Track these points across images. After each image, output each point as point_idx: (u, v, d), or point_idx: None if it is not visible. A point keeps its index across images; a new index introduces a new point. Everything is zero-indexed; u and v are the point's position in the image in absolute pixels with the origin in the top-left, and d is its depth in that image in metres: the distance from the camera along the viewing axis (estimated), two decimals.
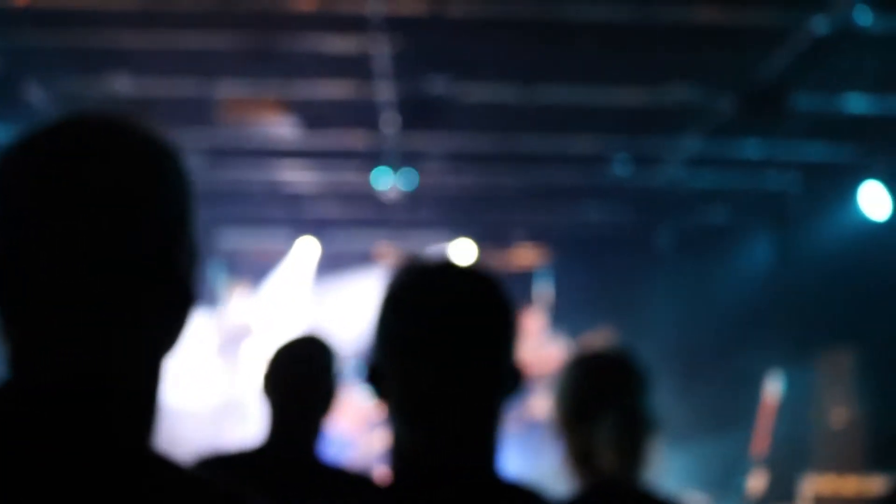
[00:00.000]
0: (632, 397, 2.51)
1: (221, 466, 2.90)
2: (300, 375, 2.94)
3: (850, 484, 9.40)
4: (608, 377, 2.59)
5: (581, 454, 2.49)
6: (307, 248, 14.23)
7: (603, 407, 2.47)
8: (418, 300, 1.52)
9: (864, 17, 6.91)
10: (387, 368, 1.51)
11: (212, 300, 11.19)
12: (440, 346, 1.47)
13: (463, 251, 14.14)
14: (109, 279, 1.01)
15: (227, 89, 8.30)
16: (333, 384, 2.96)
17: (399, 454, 1.52)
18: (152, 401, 1.07)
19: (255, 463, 2.88)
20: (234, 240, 15.34)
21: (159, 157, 1.10)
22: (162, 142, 1.12)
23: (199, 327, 10.72)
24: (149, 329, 1.06)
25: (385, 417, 1.53)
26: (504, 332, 1.54)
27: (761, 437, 9.83)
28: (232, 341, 10.17)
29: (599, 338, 10.57)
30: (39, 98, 8.71)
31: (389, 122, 9.41)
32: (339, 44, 7.61)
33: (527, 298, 13.64)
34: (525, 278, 15.17)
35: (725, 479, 10.49)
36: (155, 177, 1.08)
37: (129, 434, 1.02)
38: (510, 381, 1.54)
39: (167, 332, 1.09)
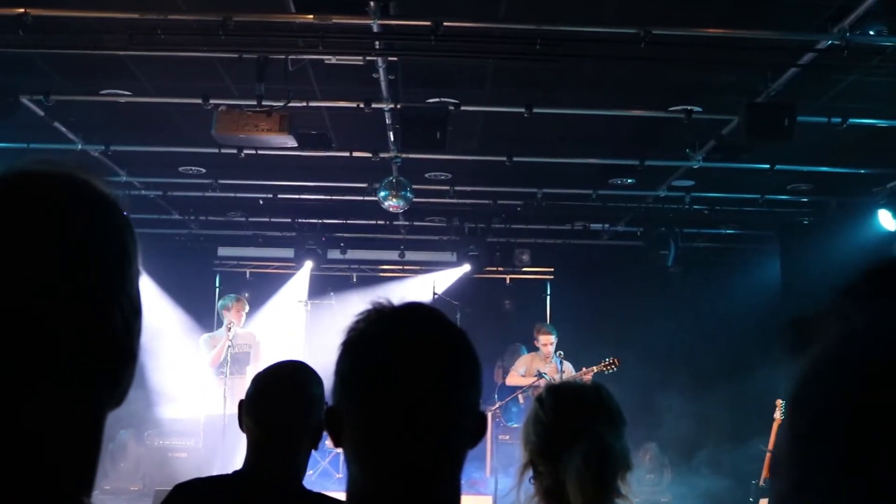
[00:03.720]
0: (601, 432, 2.41)
1: (198, 492, 2.88)
2: (281, 401, 2.88)
3: None
4: (578, 411, 2.50)
5: (551, 489, 2.40)
6: (309, 264, 14.18)
7: (572, 442, 2.38)
8: (375, 345, 1.48)
9: (873, 34, 6.84)
10: (344, 412, 1.48)
11: (213, 316, 11.09)
12: (394, 392, 1.43)
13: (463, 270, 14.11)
14: (31, 340, 0.97)
15: (226, 101, 8.24)
16: (316, 411, 2.89)
17: (353, 499, 1.49)
18: (87, 457, 1.04)
19: (233, 488, 2.84)
20: (235, 255, 15.35)
21: (91, 215, 1.06)
22: (95, 196, 1.07)
23: (202, 344, 10.63)
24: (82, 387, 1.02)
25: (344, 460, 1.51)
26: (462, 380, 1.49)
27: (768, 462, 9.67)
28: (234, 357, 10.06)
29: (602, 367, 10.46)
30: (37, 107, 8.67)
31: (391, 138, 9.36)
32: (340, 58, 7.55)
33: (533, 315, 13.59)
34: (529, 296, 15.14)
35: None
36: (84, 235, 1.04)
37: (59, 492, 0.98)
38: (469, 428, 1.50)
39: (103, 389, 1.05)
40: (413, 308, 1.53)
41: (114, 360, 1.05)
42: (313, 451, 2.96)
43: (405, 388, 1.43)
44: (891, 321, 0.66)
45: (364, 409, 1.45)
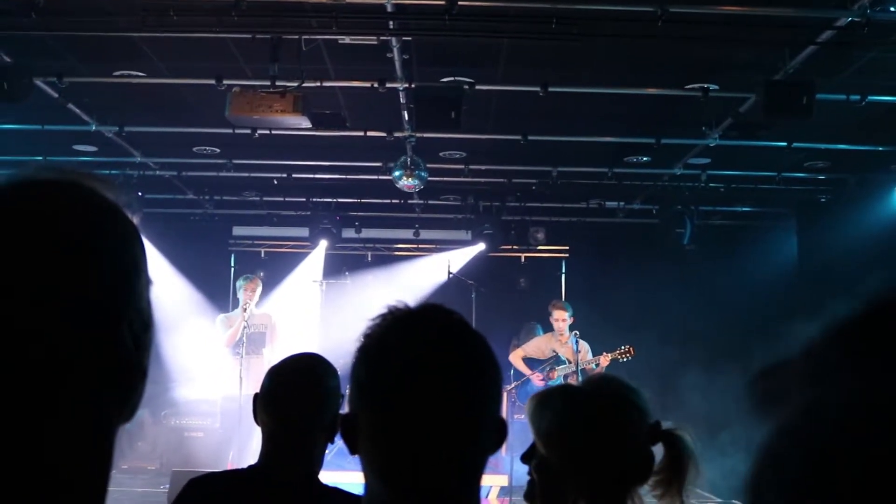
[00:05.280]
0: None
1: (213, 487, 2.85)
2: (297, 396, 2.82)
3: None
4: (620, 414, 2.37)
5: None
6: (324, 243, 14.17)
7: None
8: (392, 353, 1.43)
9: (894, 11, 6.75)
10: (361, 421, 1.43)
11: (229, 296, 11.09)
12: (413, 402, 1.39)
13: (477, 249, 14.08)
14: (35, 358, 0.93)
15: (240, 82, 8.21)
16: (332, 404, 2.86)
17: None
18: (97, 477, 1.00)
19: (248, 483, 2.81)
20: (250, 235, 15.36)
21: (96, 226, 1.01)
22: (101, 206, 1.03)
23: (219, 324, 10.64)
24: (90, 406, 0.98)
25: (361, 469, 1.46)
26: (482, 387, 1.44)
27: None
28: (249, 338, 10.06)
29: (617, 355, 10.40)
30: (51, 89, 8.67)
31: (405, 117, 9.32)
32: (354, 38, 7.51)
33: (548, 293, 13.56)
34: (544, 274, 15.12)
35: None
36: (89, 247, 0.99)
37: None
38: (490, 436, 1.46)
39: (113, 406, 1.02)
40: (430, 311, 1.48)
41: (123, 377, 1.01)
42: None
43: (423, 398, 1.39)
44: (854, 396, 0.63)
45: (381, 419, 1.41)
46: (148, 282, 1.06)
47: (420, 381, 1.39)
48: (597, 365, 10.39)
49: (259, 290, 10.59)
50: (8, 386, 0.92)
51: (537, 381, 10.82)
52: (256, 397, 2.89)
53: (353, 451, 1.45)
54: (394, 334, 1.45)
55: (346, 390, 1.51)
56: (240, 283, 10.58)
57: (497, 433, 1.48)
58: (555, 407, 2.34)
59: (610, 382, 2.43)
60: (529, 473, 2.34)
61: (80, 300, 0.97)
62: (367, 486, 1.46)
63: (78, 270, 0.98)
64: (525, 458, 2.35)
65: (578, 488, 2.27)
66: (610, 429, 2.34)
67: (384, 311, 1.47)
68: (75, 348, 0.96)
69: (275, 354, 9.72)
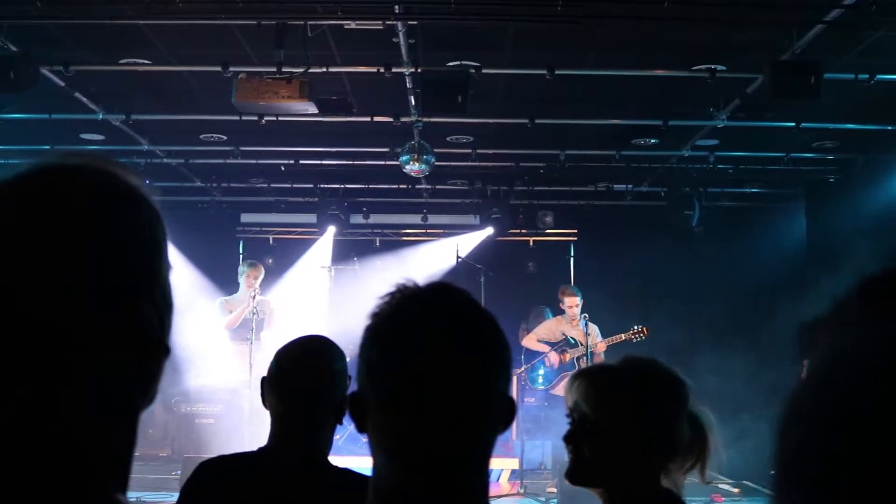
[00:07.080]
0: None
1: (222, 470, 2.86)
2: (304, 377, 2.83)
3: None
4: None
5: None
6: (332, 230, 14.17)
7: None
8: (401, 331, 1.42)
9: None
10: (369, 399, 1.42)
11: (238, 284, 11.09)
12: (422, 381, 1.38)
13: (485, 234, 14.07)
14: (63, 338, 0.97)
15: (245, 68, 8.20)
16: (339, 385, 2.86)
17: (379, 488, 1.43)
18: (121, 452, 1.03)
19: (257, 465, 2.81)
20: (256, 221, 15.37)
21: (119, 208, 1.05)
22: (122, 189, 1.06)
23: (218, 307, 10.67)
24: (115, 382, 1.01)
25: (369, 448, 1.45)
26: (491, 366, 1.43)
27: None
28: (255, 323, 10.09)
29: (630, 335, 10.39)
30: (57, 78, 8.67)
31: (412, 102, 9.30)
32: (359, 23, 7.49)
33: (556, 277, 13.56)
34: (553, 258, 15.10)
35: (758, 471, 10.28)
36: (112, 229, 1.03)
37: (93, 488, 0.98)
38: (499, 415, 1.45)
39: (137, 383, 1.05)
40: (439, 289, 1.47)
41: (147, 355, 1.04)
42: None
43: (432, 377, 1.37)
44: (873, 346, 0.64)
45: (390, 398, 1.40)
46: (168, 262, 1.09)
47: (429, 359, 1.38)
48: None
49: (258, 276, 10.62)
50: (36, 364, 0.95)
51: (553, 360, 10.83)
52: (263, 380, 2.90)
53: (360, 429, 1.44)
54: (403, 312, 1.44)
55: (355, 373, 1.50)
56: (242, 269, 10.61)
57: (506, 412, 1.46)
58: (625, 382, 2.35)
59: (655, 361, 2.43)
60: (572, 453, 2.34)
61: (106, 281, 1.00)
62: (375, 465, 1.45)
63: (103, 252, 1.01)
64: (571, 438, 2.33)
65: (633, 466, 2.29)
66: (677, 403, 2.36)
67: (393, 289, 1.46)
68: (102, 327, 0.99)
69: (272, 339, 9.81)
